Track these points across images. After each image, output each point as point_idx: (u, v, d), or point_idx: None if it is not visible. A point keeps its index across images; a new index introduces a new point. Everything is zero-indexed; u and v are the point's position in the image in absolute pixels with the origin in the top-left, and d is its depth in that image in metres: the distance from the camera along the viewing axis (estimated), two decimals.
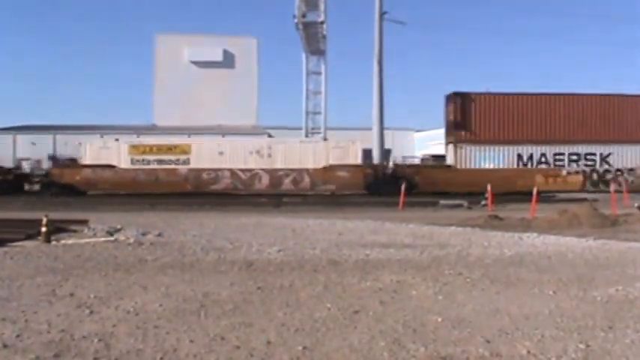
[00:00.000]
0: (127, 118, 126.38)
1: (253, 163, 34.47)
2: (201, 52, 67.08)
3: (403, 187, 27.00)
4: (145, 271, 9.65)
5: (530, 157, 36.50)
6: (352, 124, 58.00)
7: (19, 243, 12.65)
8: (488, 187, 26.31)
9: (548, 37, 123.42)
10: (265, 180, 34.36)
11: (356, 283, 8.66)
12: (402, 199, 26.12)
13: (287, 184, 34.23)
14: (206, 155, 34.58)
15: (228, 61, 67.99)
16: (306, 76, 44.19)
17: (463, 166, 36.09)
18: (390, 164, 38.99)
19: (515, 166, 36.18)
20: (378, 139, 37.74)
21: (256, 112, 66.96)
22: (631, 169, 36.53)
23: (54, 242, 12.74)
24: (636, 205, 20.11)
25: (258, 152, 34.56)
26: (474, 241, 13.47)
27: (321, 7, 41.16)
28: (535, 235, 14.58)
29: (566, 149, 36.52)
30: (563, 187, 35.37)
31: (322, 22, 41.31)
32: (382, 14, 38.53)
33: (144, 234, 14.11)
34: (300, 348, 5.63)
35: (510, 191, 30.95)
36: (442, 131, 41.55)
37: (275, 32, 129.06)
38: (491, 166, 35.88)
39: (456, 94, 36.89)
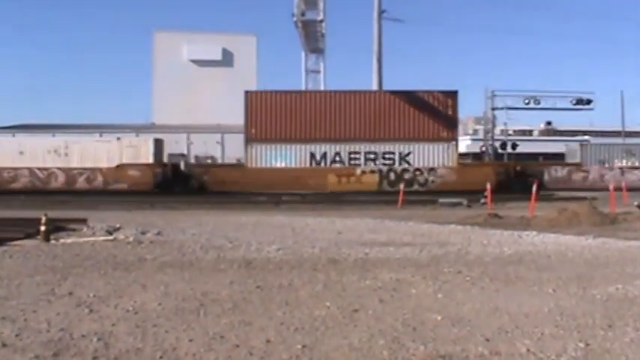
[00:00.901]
0: (126, 116, 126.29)
1: (51, 162, 35.41)
2: (200, 51, 66.95)
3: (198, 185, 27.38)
4: (144, 269, 9.64)
5: (324, 155, 35.78)
6: None
7: (19, 242, 12.63)
8: (488, 186, 26.29)
9: (547, 36, 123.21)
10: (61, 178, 35.32)
11: (355, 282, 8.66)
12: (401, 197, 26.09)
13: (81, 182, 35.13)
14: (7, 154, 35.45)
15: (227, 59, 67.88)
16: (305, 74, 44.24)
17: (255, 165, 35.66)
18: (182, 164, 38.23)
19: (307, 165, 35.64)
20: None
21: None
22: (431, 169, 35.75)
23: (53, 241, 12.72)
24: (635, 203, 20.11)
25: (55, 151, 35.46)
26: (473, 239, 13.47)
27: (320, 5, 41.17)
28: (534, 233, 14.58)
29: (362, 148, 35.79)
30: (359, 187, 34.84)
31: (321, 21, 41.33)
32: (381, 12, 38.51)
33: (143, 233, 14.10)
34: (299, 347, 5.62)
35: (300, 191, 31.42)
36: None
37: (274, 31, 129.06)
38: (283, 165, 35.45)
39: (249, 92, 36.73)
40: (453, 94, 36.14)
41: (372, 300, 7.53)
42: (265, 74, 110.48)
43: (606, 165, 36.15)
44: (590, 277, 8.98)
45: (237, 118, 58.47)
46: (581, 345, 5.68)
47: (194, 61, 67.20)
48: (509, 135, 61.20)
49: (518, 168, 36.08)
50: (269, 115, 35.70)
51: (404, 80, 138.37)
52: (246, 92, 36.18)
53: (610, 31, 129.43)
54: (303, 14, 40.56)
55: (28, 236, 13.19)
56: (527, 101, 48.31)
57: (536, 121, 73.95)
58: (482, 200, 26.43)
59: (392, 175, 35.60)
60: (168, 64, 66.32)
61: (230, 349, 5.56)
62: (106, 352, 5.48)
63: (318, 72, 44.25)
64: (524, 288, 8.28)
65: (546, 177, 35.00)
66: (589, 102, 41.40)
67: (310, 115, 35.73)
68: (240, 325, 6.36)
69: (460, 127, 64.79)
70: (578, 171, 35.94)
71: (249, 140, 35.62)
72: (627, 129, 61.97)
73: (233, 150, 42.04)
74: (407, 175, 35.38)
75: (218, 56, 67.43)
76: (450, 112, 35.86)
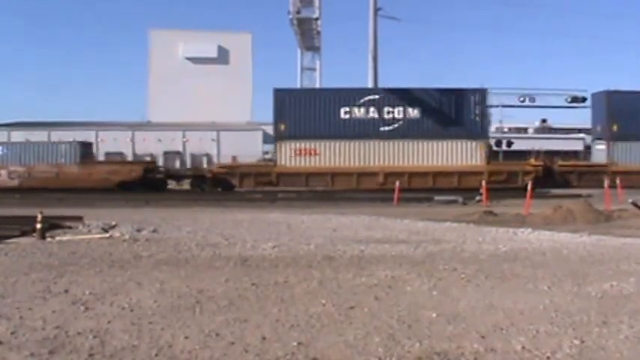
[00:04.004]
0: (122, 114, 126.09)
1: None
2: (195, 48, 66.90)
3: None
4: (139, 267, 9.64)
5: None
6: None
7: (14, 239, 12.62)
8: (483, 183, 26.35)
9: (542, 34, 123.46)
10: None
11: (351, 279, 8.67)
12: (396, 194, 26.11)
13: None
14: None
15: (222, 57, 67.85)
16: (300, 72, 44.20)
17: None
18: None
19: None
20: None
21: (251, 108, 66.80)
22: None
23: (49, 239, 12.71)
24: (630, 200, 20.15)
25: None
26: (468, 236, 13.49)
27: (316, 3, 41.13)
28: (530, 230, 14.61)
29: None
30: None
31: (317, 19, 41.29)
32: (376, 10, 38.52)
33: (139, 230, 14.09)
34: (294, 344, 5.63)
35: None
36: None
37: (270, 28, 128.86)
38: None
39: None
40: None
41: (367, 297, 7.54)
42: (261, 72, 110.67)
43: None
44: (585, 274, 9.01)
45: (233, 115, 58.57)
46: (576, 342, 5.70)
47: (190, 59, 67.16)
48: (505, 132, 61.23)
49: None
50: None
51: (399, 78, 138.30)
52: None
53: (604, 29, 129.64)
54: (298, 12, 40.51)
55: (24, 234, 13.18)
56: (522, 99, 48.29)
57: (531, 119, 73.99)
58: (478, 198, 26.48)
59: None
60: (164, 62, 66.25)
61: (225, 347, 5.56)
62: (102, 349, 5.48)
63: (313, 69, 44.21)
64: (520, 285, 8.30)
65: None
66: (584, 100, 41.37)
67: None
68: (236, 322, 6.36)
69: None
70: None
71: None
72: None
73: (228, 147, 42.01)
74: None
75: (214, 54, 67.40)
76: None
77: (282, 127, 32.36)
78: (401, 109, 32.48)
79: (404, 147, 32.25)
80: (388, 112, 32.42)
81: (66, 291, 7.86)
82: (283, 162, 32.27)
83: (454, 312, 6.80)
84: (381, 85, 38.18)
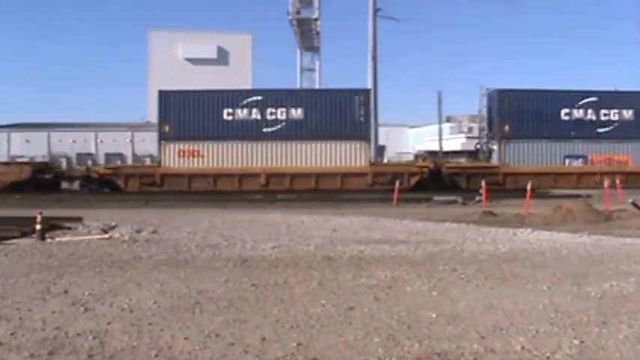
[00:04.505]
0: (121, 115, 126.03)
1: None
2: (195, 49, 67.03)
3: None
4: (139, 268, 9.64)
5: None
6: None
7: (14, 240, 12.62)
8: (483, 184, 26.33)
9: (542, 34, 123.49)
10: None
11: (350, 280, 8.67)
12: (396, 195, 26.10)
13: None
14: None
15: (222, 57, 67.97)
16: (300, 72, 44.18)
17: None
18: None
19: None
20: (372, 135, 37.58)
21: None
22: None
23: (48, 240, 12.71)
24: (630, 201, 20.14)
25: None
26: (468, 237, 13.49)
27: (315, 3, 41.16)
28: (529, 231, 14.61)
29: None
30: None
31: (316, 19, 41.31)
32: (376, 10, 38.52)
33: (138, 231, 14.08)
34: (294, 344, 5.63)
35: None
36: (436, 127, 41.07)
37: (269, 29, 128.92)
38: None
39: None
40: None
41: (367, 298, 7.54)
42: (260, 72, 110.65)
43: None
44: (585, 275, 9.01)
45: None
46: (576, 342, 5.70)
47: (189, 60, 67.26)
48: None
49: None
50: None
51: (399, 78, 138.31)
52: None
53: (605, 29, 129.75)
54: (298, 12, 40.54)
55: (24, 235, 13.17)
56: None
57: None
58: (478, 198, 26.47)
59: None
60: (164, 63, 66.29)
61: (225, 347, 5.56)
62: (102, 350, 5.48)
63: (313, 70, 44.18)
64: (519, 285, 8.30)
65: None
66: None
67: None
68: (236, 323, 6.36)
69: (455, 125, 64.93)
70: None
71: None
72: None
73: None
74: None
75: (213, 55, 67.50)
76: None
77: (167, 128, 32.58)
78: (284, 110, 32.53)
79: (286, 148, 32.45)
80: (271, 114, 32.55)
81: (65, 292, 7.86)
82: (167, 163, 32.56)
83: (454, 312, 6.80)
84: (380, 85, 38.17)
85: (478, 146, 37.25)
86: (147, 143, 45.30)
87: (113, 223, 15.44)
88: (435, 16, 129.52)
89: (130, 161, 48.27)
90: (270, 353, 5.41)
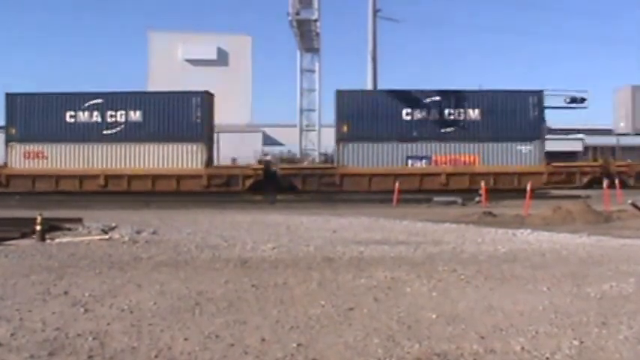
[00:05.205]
0: None
1: None
2: (195, 50, 66.87)
3: None
4: (139, 269, 9.64)
5: None
6: None
7: (14, 241, 12.62)
8: (482, 184, 26.35)
9: (540, 35, 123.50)
10: None
11: (350, 280, 8.68)
12: (396, 196, 26.11)
13: None
14: None
15: (222, 59, 67.85)
16: (300, 73, 44.11)
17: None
18: None
19: None
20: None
21: (251, 110, 66.81)
22: None
23: (48, 241, 12.71)
24: (629, 201, 20.15)
25: None
26: (468, 237, 13.49)
27: (315, 4, 41.09)
28: (529, 231, 14.61)
29: None
30: None
31: (316, 20, 41.23)
32: (376, 11, 38.54)
33: (138, 232, 14.09)
34: (294, 345, 5.63)
35: None
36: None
37: (269, 30, 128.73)
38: None
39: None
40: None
41: (366, 298, 7.54)
42: (260, 73, 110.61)
43: None
44: (585, 275, 9.01)
45: (233, 117, 58.54)
46: (576, 343, 5.70)
47: (189, 61, 67.12)
48: None
49: None
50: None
51: (399, 79, 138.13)
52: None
53: (603, 30, 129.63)
54: (297, 13, 40.44)
55: (24, 236, 13.17)
56: None
57: None
58: (477, 199, 26.49)
59: None
60: (163, 64, 66.23)
61: (225, 348, 5.57)
62: (102, 351, 5.48)
63: (313, 71, 44.08)
64: (519, 286, 8.31)
65: None
66: (583, 100, 41.34)
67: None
68: (236, 324, 6.37)
69: None
70: None
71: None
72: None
73: (228, 149, 42.00)
74: None
75: (213, 56, 67.37)
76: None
77: (13, 130, 33.01)
78: (123, 112, 32.90)
79: (125, 150, 32.75)
80: (111, 116, 32.89)
81: (65, 293, 7.87)
82: (13, 164, 32.98)
83: (453, 313, 6.80)
84: (380, 86, 38.19)
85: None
86: None
87: (113, 224, 15.44)
88: (433, 16, 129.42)
89: None
90: (270, 354, 5.41)
